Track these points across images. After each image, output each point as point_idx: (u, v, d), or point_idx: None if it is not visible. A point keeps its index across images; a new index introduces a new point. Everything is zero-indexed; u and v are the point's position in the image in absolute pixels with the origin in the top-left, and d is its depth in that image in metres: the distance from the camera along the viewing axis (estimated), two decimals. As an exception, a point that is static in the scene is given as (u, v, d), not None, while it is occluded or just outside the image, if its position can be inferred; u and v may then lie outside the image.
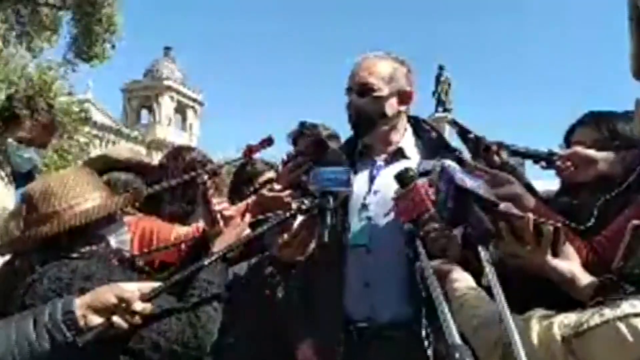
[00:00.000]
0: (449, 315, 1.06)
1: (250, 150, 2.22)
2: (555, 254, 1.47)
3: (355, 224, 1.93)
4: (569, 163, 1.83)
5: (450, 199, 1.40)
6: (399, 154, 2.01)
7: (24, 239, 1.61)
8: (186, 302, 1.50)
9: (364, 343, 1.84)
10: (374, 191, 1.95)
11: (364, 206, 1.94)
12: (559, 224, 1.48)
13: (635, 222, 1.30)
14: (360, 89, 1.98)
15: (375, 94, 1.97)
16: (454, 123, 2.09)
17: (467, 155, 2.02)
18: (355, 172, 1.96)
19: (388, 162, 2.00)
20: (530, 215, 1.46)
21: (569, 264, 1.48)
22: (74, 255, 1.57)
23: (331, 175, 1.60)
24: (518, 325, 1.20)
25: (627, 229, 1.31)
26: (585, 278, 1.45)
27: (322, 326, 1.90)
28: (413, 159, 1.97)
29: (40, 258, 1.57)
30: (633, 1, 1.12)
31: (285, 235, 1.76)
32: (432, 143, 2.05)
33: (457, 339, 1.02)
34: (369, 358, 1.83)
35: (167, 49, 45.51)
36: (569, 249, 1.50)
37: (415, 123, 2.11)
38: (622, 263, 1.30)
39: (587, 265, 1.52)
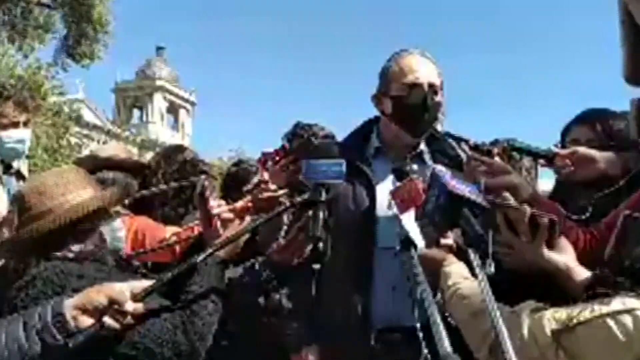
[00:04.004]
0: (441, 327, 1.06)
1: (265, 161, 2.24)
2: (551, 247, 1.46)
3: (384, 226, 1.88)
4: (568, 162, 1.82)
5: (441, 204, 1.40)
6: (419, 157, 1.99)
7: (18, 238, 1.58)
8: (180, 306, 1.47)
9: (388, 347, 1.82)
10: None
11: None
12: (555, 217, 1.46)
13: (626, 211, 1.30)
14: (431, 89, 1.93)
15: (438, 98, 1.96)
16: (448, 135, 2.07)
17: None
18: (360, 171, 1.93)
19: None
20: (527, 208, 1.45)
21: (564, 257, 1.46)
22: (69, 255, 1.55)
23: (324, 167, 1.57)
24: (508, 317, 1.19)
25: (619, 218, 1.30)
26: (579, 271, 1.43)
27: (345, 329, 1.87)
28: (430, 165, 1.92)
29: (34, 258, 1.54)
30: (624, 4, 1.12)
31: (282, 239, 1.74)
32: (439, 149, 2.04)
33: (449, 349, 1.02)
34: None
35: (160, 48, 45.34)
36: (564, 241, 1.48)
37: None
38: (613, 252, 1.29)
39: (584, 254, 1.51)
